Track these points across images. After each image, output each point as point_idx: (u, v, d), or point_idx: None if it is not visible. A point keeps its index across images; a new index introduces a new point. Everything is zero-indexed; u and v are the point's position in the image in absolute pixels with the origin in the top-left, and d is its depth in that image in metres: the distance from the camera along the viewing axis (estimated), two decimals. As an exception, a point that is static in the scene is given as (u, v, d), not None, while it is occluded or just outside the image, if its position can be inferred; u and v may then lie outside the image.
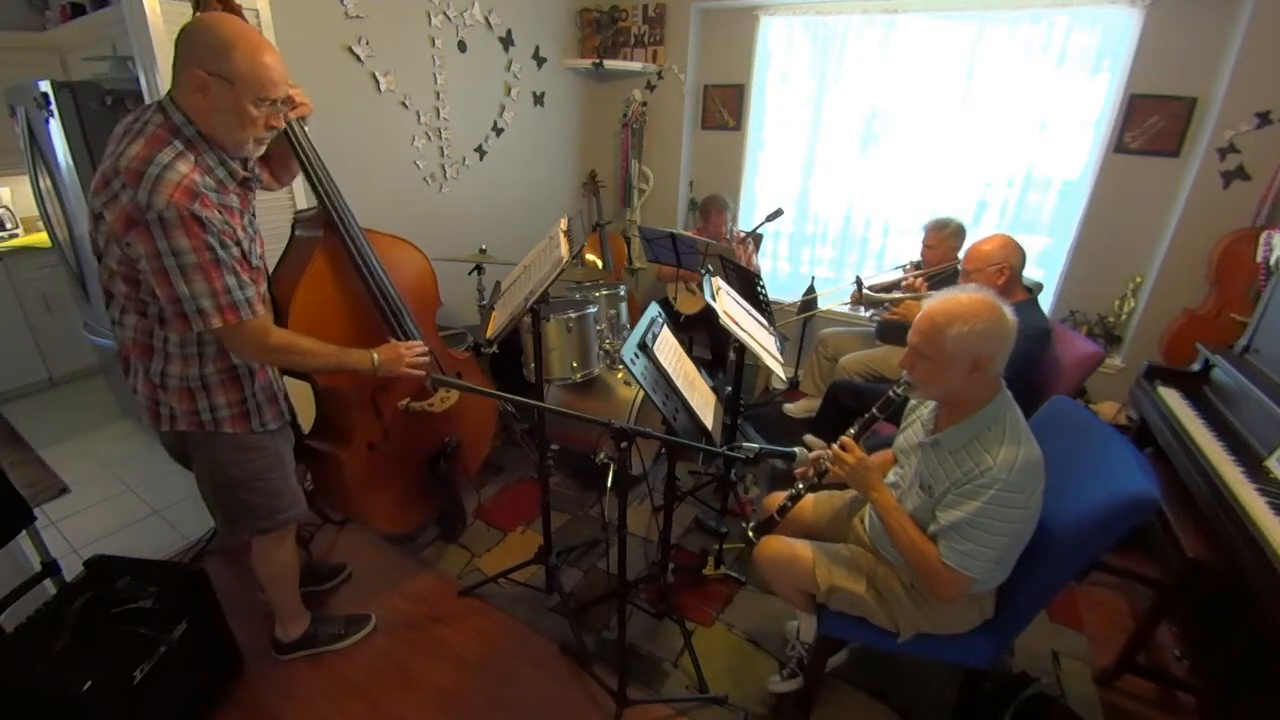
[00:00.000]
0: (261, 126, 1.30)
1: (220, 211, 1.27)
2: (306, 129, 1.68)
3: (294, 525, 1.73)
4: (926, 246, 2.76)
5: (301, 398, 1.96)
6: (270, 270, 1.67)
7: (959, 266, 2.70)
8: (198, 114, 1.26)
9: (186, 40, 1.24)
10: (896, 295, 2.45)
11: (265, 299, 1.49)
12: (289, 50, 1.96)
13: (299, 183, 1.67)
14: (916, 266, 2.83)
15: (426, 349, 1.74)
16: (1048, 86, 2.98)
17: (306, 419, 2.06)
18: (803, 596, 1.59)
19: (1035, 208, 3.21)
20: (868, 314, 2.78)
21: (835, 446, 1.46)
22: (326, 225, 1.79)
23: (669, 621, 2.02)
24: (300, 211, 1.91)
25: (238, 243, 1.33)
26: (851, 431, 1.48)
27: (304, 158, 1.67)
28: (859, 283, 2.71)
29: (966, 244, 2.60)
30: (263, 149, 1.40)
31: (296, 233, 1.90)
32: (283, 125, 1.38)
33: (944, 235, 2.70)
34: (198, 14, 1.40)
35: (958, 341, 1.25)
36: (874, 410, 1.47)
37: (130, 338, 1.36)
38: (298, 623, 1.88)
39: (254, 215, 1.47)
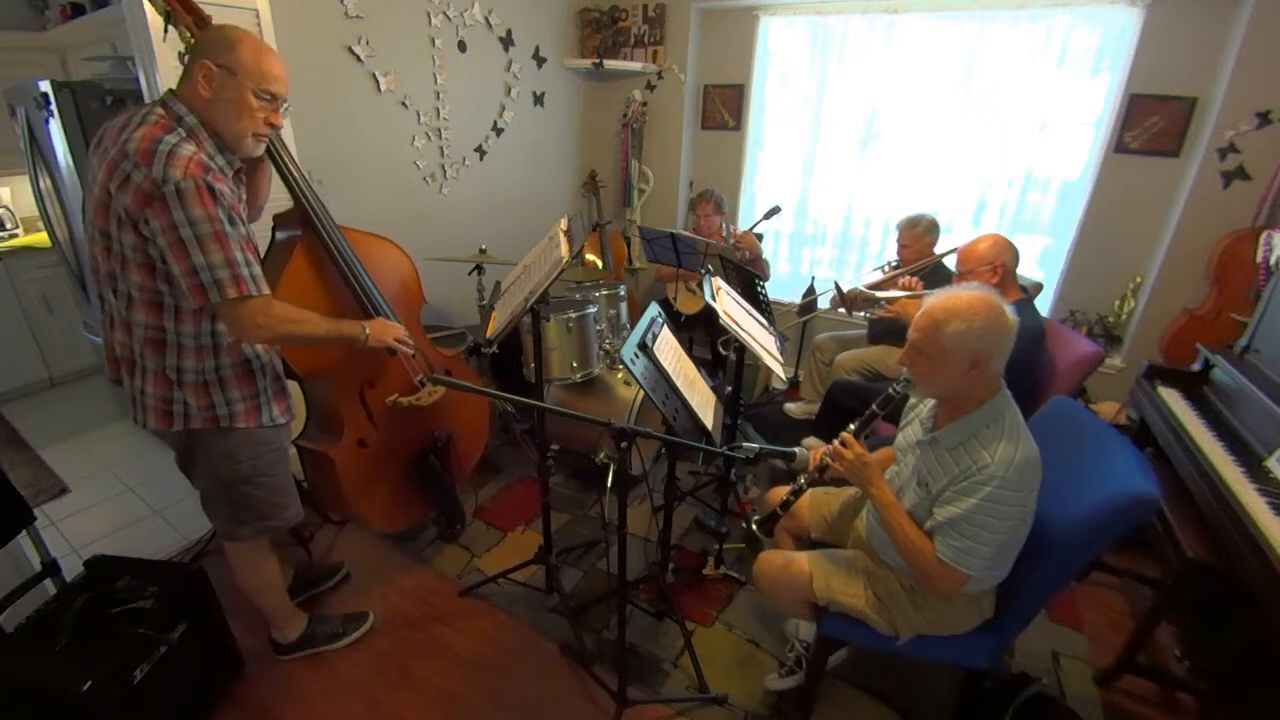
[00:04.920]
0: (261, 121, 1.36)
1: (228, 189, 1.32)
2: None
3: (280, 533, 1.73)
4: (901, 245, 2.81)
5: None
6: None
7: (950, 265, 2.71)
8: (201, 104, 1.31)
9: (200, 40, 1.36)
10: (893, 294, 2.45)
11: None
12: (289, 50, 1.96)
13: (277, 188, 1.70)
14: (894, 266, 2.86)
15: (411, 340, 1.77)
16: (1048, 86, 2.98)
17: (297, 422, 2.03)
18: (805, 606, 1.59)
19: (1035, 208, 3.21)
20: (861, 314, 2.80)
21: (835, 442, 1.46)
22: (303, 222, 1.81)
23: (669, 621, 2.02)
24: (278, 214, 1.91)
25: (243, 221, 1.36)
26: (852, 428, 1.49)
27: (278, 157, 1.69)
28: (837, 287, 2.74)
29: (960, 244, 2.61)
30: (261, 147, 1.43)
31: (277, 235, 1.91)
32: (281, 124, 1.42)
33: (917, 233, 2.75)
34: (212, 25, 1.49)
35: (956, 338, 1.25)
36: (874, 407, 1.47)
37: (141, 335, 1.36)
38: (293, 625, 1.89)
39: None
